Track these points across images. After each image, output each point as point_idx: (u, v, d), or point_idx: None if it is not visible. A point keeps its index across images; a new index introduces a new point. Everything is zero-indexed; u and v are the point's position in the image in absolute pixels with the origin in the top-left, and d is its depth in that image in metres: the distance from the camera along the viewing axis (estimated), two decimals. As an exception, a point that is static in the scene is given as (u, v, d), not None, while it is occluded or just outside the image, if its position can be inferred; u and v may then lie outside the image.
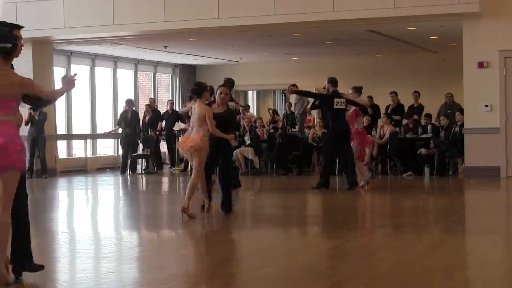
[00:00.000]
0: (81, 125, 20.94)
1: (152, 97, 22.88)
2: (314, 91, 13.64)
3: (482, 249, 7.48)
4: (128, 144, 18.78)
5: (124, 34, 17.43)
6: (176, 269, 6.65)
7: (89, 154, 20.50)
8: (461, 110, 16.23)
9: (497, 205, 11.74)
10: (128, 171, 18.68)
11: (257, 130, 18.27)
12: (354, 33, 17.70)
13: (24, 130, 16.41)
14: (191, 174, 9.91)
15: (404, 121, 18.15)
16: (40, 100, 5.99)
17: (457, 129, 16.14)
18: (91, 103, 21.06)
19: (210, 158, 9.85)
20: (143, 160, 19.25)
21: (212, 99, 10.81)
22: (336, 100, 13.03)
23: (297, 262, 6.84)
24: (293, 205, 11.96)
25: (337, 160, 14.89)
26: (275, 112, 21.10)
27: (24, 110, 7.52)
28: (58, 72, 19.04)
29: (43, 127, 17.33)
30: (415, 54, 21.79)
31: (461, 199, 12.91)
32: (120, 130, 19.19)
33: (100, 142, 21.59)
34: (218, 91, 10.19)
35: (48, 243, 8.03)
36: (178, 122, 18.81)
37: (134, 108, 19.59)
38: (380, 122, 17.59)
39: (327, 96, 13.29)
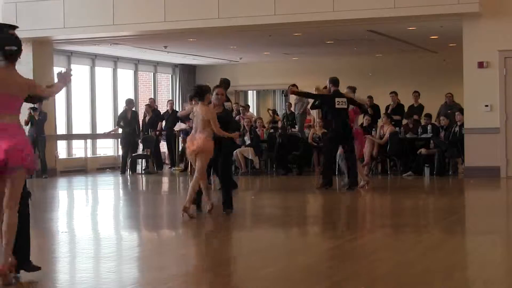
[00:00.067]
0: (81, 125, 20.94)
1: (152, 97, 22.89)
2: (314, 90, 13.62)
3: (482, 249, 7.49)
4: (128, 144, 18.78)
5: (124, 34, 17.43)
6: (176, 269, 6.65)
7: (89, 154, 20.50)
8: (461, 110, 16.23)
9: (497, 205, 11.74)
10: (128, 171, 18.68)
11: (257, 130, 18.27)
12: (354, 33, 17.70)
13: (24, 130, 16.38)
14: (191, 174, 9.92)
15: (404, 121, 18.15)
16: (40, 99, 6.09)
17: (457, 129, 16.14)
18: (91, 103, 21.07)
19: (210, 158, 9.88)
20: (143, 160, 19.25)
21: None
22: (337, 99, 13.04)
23: (297, 262, 6.84)
24: (293, 205, 11.96)
25: (337, 160, 14.87)
26: (274, 112, 21.10)
27: (23, 110, 7.54)
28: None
29: (43, 127, 17.33)
30: (415, 54, 21.80)
31: (461, 199, 12.91)
32: (120, 130, 19.20)
33: (100, 142, 21.59)
34: (214, 92, 10.22)
35: (48, 243, 8.03)
36: (179, 122, 18.81)
37: (134, 108, 19.58)
38: (380, 122, 17.58)
39: (328, 96, 13.30)
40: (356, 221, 10.30)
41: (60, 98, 19.32)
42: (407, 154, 16.90)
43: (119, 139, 19.66)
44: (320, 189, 13.21)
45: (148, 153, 18.96)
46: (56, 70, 18.97)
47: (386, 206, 11.96)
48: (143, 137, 19.17)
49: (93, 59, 21.23)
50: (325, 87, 14.22)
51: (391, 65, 22.78)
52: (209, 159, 9.70)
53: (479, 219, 9.91)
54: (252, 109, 24.62)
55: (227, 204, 10.06)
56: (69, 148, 20.31)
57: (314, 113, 19.48)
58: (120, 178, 18.01)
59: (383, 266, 6.59)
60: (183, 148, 17.34)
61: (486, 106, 15.20)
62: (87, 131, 20.98)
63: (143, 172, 18.85)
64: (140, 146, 19.30)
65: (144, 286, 5.94)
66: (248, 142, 17.71)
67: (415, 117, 17.98)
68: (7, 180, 5.65)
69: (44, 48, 17.87)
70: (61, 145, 19.75)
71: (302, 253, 7.36)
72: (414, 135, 17.33)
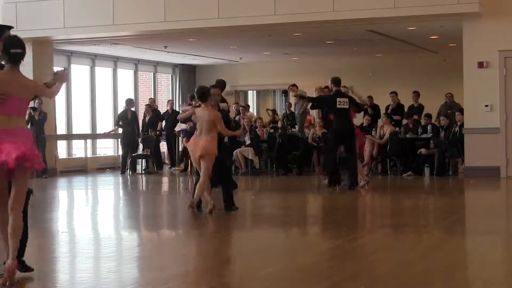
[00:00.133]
0: (81, 125, 20.94)
1: (152, 97, 22.89)
2: (314, 90, 13.63)
3: (482, 249, 7.49)
4: (128, 144, 18.77)
5: (124, 34, 17.43)
6: (176, 269, 6.65)
7: (89, 154, 20.49)
8: (461, 110, 16.22)
9: (497, 205, 11.75)
10: (128, 171, 18.68)
11: (257, 130, 18.27)
12: (354, 33, 17.69)
13: (30, 132, 16.38)
14: (191, 174, 9.94)
15: (404, 121, 18.14)
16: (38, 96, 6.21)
17: (457, 129, 16.13)
18: (91, 103, 21.06)
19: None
20: (143, 160, 19.25)
21: None
22: (339, 99, 13.04)
23: (297, 262, 6.84)
24: (293, 205, 11.96)
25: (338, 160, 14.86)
26: (274, 112, 21.10)
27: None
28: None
29: (43, 127, 17.32)
30: (415, 54, 21.79)
31: (461, 199, 12.91)
32: (120, 130, 19.19)
33: (100, 142, 21.58)
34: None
35: (48, 243, 8.04)
36: (179, 122, 18.80)
37: (133, 108, 19.58)
38: (380, 122, 17.58)
39: (329, 96, 13.31)
40: (356, 221, 10.30)
41: (60, 98, 19.31)
42: (407, 154, 16.90)
43: (119, 139, 19.66)
44: (331, 188, 13.12)
45: (148, 153, 18.96)
46: (56, 70, 19.02)
47: (386, 206, 11.96)
48: (143, 137, 19.17)
49: (93, 59, 21.23)
50: (326, 87, 14.25)
51: (391, 65, 22.78)
52: (213, 160, 9.76)
53: (479, 219, 9.91)
54: (252, 109, 24.61)
55: (228, 204, 10.08)
56: (69, 148, 20.30)
57: (314, 113, 19.49)
58: (120, 178, 18.00)
59: (383, 266, 6.59)
60: (183, 148, 17.36)
61: (486, 106, 15.20)
62: (87, 131, 20.97)
63: (143, 172, 18.84)
64: (140, 146, 19.29)
65: (144, 286, 5.94)
66: (248, 142, 17.71)
67: (415, 117, 17.97)
68: (12, 181, 5.67)
69: (44, 48, 17.86)
70: (61, 145, 19.74)
71: (302, 253, 7.35)
72: (414, 135, 17.32)
